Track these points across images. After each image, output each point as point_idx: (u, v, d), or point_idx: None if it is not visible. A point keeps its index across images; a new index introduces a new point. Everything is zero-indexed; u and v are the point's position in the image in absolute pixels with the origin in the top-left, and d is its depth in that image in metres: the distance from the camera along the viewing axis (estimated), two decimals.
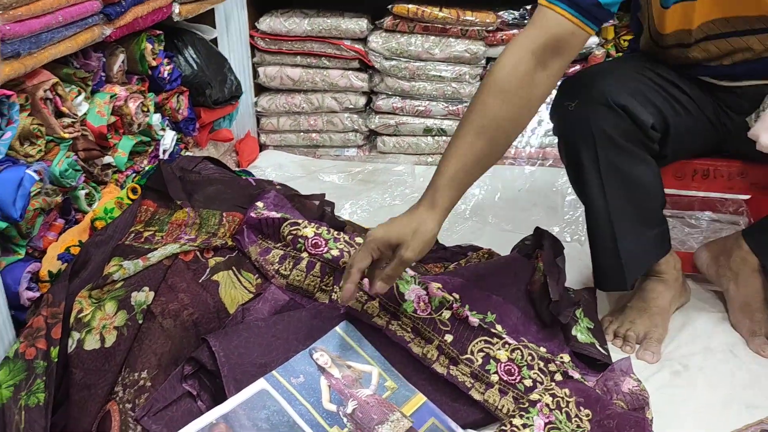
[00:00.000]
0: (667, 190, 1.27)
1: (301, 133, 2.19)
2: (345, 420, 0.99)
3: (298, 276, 1.20)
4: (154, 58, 1.55)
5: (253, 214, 1.24)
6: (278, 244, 1.23)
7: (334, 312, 1.16)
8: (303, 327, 1.11)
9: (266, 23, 2.07)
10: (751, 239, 1.27)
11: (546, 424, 1.01)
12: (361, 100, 2.13)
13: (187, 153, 1.69)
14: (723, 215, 1.60)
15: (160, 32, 1.59)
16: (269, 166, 2.05)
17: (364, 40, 2.08)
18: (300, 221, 1.26)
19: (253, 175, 1.63)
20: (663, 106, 1.18)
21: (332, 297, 1.20)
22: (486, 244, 1.50)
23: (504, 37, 2.03)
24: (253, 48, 2.12)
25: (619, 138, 1.13)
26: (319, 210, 1.40)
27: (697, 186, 1.40)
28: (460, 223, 1.73)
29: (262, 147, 2.22)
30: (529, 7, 2.01)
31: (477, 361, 1.11)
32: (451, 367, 1.11)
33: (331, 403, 1.00)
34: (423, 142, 2.12)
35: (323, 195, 1.45)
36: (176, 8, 1.61)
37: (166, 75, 1.60)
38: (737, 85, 1.24)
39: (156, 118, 1.53)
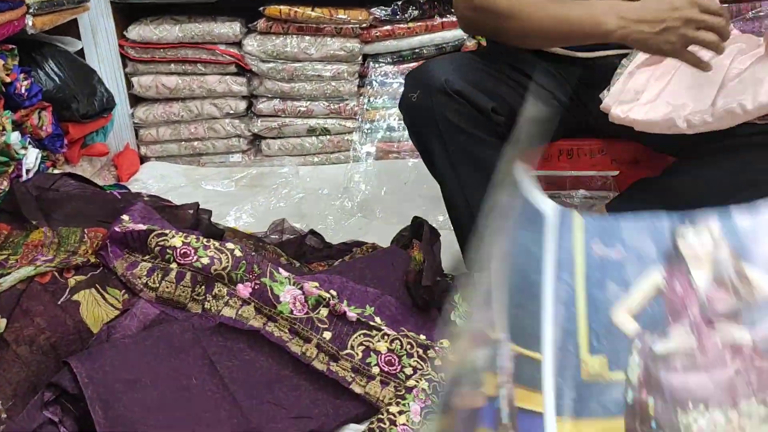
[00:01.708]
0: (537, 172, 1.31)
1: (183, 142, 2.14)
2: None
3: (168, 288, 1.17)
4: (7, 74, 1.48)
5: (117, 228, 1.20)
6: (146, 257, 1.20)
7: (207, 322, 1.13)
8: (174, 339, 1.08)
9: (135, 32, 2.01)
10: (612, 211, 1.32)
11: (422, 408, 1.02)
12: (242, 105, 2.10)
13: (55, 171, 1.62)
14: (595, 191, 1.66)
15: (13, 46, 1.51)
16: (151, 178, 2.00)
17: (239, 44, 2.05)
18: (167, 231, 1.22)
19: (127, 189, 1.58)
20: (506, 92, 1.21)
21: (205, 306, 1.17)
22: (373, 238, 1.50)
23: (378, 33, 2.04)
24: (125, 58, 2.06)
25: (463, 123, 1.15)
26: (194, 219, 1.37)
27: (564, 166, 1.44)
28: (347, 220, 1.73)
29: (143, 159, 2.16)
30: (400, 2, 2.03)
31: (357, 355, 1.11)
32: (332, 363, 1.10)
33: None
34: (307, 143, 2.11)
35: (197, 204, 1.42)
36: (30, 20, 1.54)
37: (23, 91, 1.53)
38: (591, 56, 1.27)
39: (15, 137, 1.46)
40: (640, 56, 1.21)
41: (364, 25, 2.01)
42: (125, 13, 2.05)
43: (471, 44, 2.04)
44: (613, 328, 0.70)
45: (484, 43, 2.07)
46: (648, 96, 1.17)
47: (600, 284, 0.72)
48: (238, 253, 1.16)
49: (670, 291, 0.71)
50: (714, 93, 1.12)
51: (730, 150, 1.14)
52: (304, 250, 1.45)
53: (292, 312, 1.12)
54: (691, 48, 1.04)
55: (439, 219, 1.67)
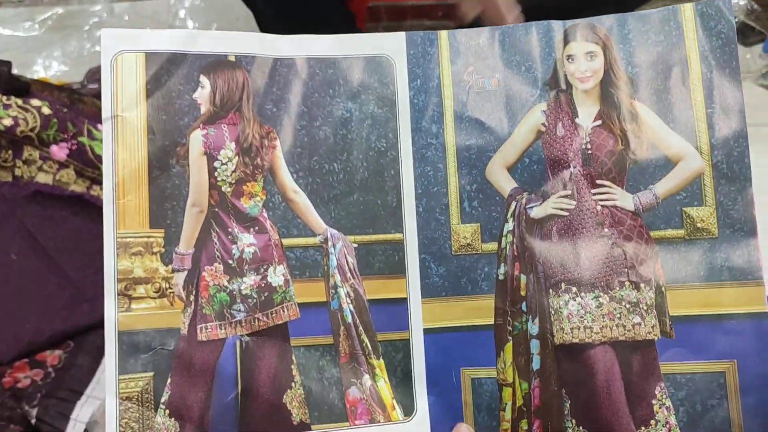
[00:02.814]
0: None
1: None
2: None
3: None
4: None
5: None
6: None
7: (21, 191, 0.98)
8: None
9: None
10: None
11: None
12: None
13: None
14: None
15: None
16: None
17: None
18: None
19: None
20: None
21: (15, 174, 1.01)
22: None
23: None
24: None
25: None
26: None
27: None
28: None
29: None
30: None
31: None
32: None
33: None
34: None
35: None
36: None
37: None
38: None
39: None
40: None
41: None
42: None
43: None
44: (487, 188, 0.65)
45: None
46: None
47: (474, 130, 0.66)
48: (45, 110, 1.00)
49: (551, 132, 0.65)
50: None
51: None
52: None
53: None
54: None
55: None
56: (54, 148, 0.99)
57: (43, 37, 1.66)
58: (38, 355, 0.88)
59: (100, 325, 0.89)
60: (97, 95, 1.24)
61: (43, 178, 0.98)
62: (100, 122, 0.99)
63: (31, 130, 0.98)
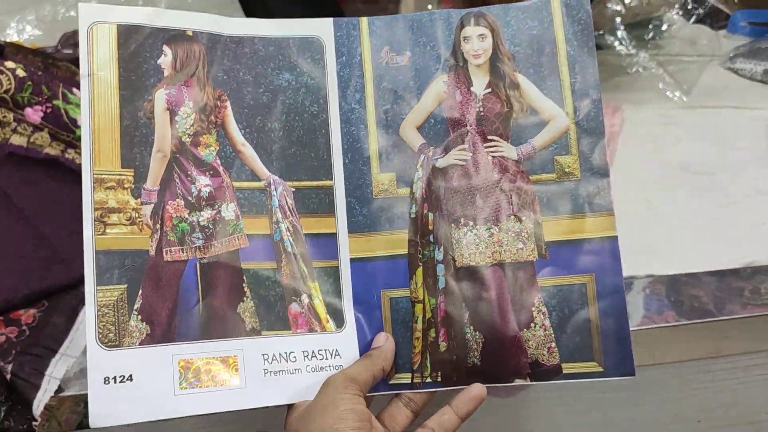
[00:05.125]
0: None
1: None
2: None
3: None
4: None
5: None
6: None
7: None
8: None
9: None
10: None
11: None
12: None
13: None
14: None
15: None
16: None
17: None
18: None
19: None
20: None
21: None
22: None
23: None
24: None
25: None
26: None
27: None
28: None
29: None
30: None
31: None
32: None
33: None
34: None
35: None
36: None
37: None
38: None
39: None
40: None
41: None
42: None
43: None
44: (401, 144, 0.80)
45: None
46: None
47: (389, 97, 0.81)
48: (20, 72, 1.04)
49: (451, 98, 0.81)
50: None
51: None
52: None
53: None
54: None
55: None
56: (29, 111, 1.01)
57: (16, 0, 1.63)
58: (13, 313, 0.92)
59: (75, 285, 0.95)
60: (72, 60, 1.25)
61: (17, 140, 1.00)
62: (75, 86, 1.04)
63: (6, 92, 1.00)
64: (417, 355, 0.76)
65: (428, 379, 0.76)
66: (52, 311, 0.93)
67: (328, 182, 0.78)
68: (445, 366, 0.75)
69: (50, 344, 0.89)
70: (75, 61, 1.27)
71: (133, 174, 0.73)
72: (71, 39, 1.36)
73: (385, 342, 0.75)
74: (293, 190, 0.77)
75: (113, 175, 0.72)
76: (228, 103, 0.76)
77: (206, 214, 0.74)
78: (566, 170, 0.77)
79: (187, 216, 0.74)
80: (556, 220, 0.77)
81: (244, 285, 0.74)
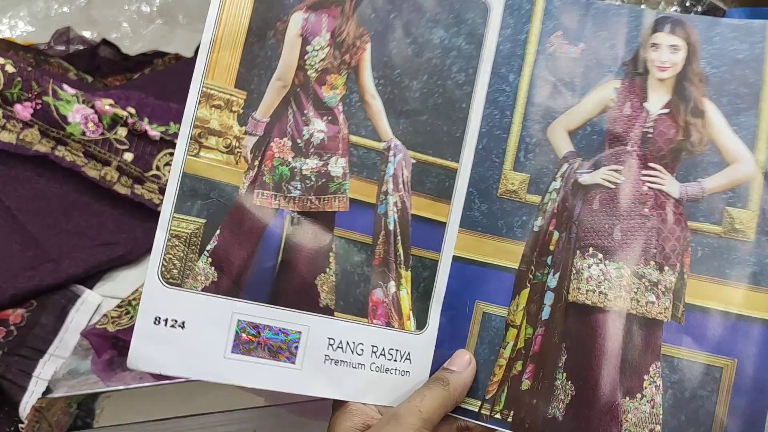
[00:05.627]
0: None
1: None
2: None
3: None
4: None
5: None
6: None
7: None
8: None
9: None
10: None
11: None
12: None
13: None
14: None
15: None
16: None
17: None
18: None
19: None
20: None
21: None
22: (177, 48, 1.35)
23: None
24: None
25: None
26: None
27: None
28: (146, 27, 1.56)
29: None
30: None
31: (164, 176, 1.04)
32: (136, 186, 1.03)
33: None
34: None
35: None
36: None
37: None
38: None
39: None
40: None
41: None
42: None
43: None
44: (545, 145, 0.69)
45: None
46: None
47: (547, 89, 0.69)
48: (10, 68, 0.99)
49: (618, 110, 0.69)
50: None
51: None
52: (97, 64, 1.30)
53: (84, 133, 1.01)
54: None
55: None
56: (18, 107, 0.97)
57: None
58: (1, 313, 0.89)
59: (63, 285, 0.92)
60: (64, 56, 1.24)
61: (6, 137, 0.97)
62: (66, 82, 0.99)
63: None
64: (494, 384, 0.66)
65: (497, 415, 0.65)
66: (41, 311, 0.90)
67: (453, 164, 0.67)
68: (521, 407, 0.65)
69: (38, 345, 0.87)
70: (67, 57, 1.27)
71: (245, 97, 0.64)
72: (64, 35, 1.33)
73: (466, 368, 0.65)
74: (414, 162, 0.67)
75: (224, 92, 0.63)
76: (369, 46, 0.66)
77: (312, 164, 0.65)
78: (737, 226, 0.64)
79: (290, 160, 0.64)
80: (707, 281, 0.64)
81: (330, 254, 0.64)
